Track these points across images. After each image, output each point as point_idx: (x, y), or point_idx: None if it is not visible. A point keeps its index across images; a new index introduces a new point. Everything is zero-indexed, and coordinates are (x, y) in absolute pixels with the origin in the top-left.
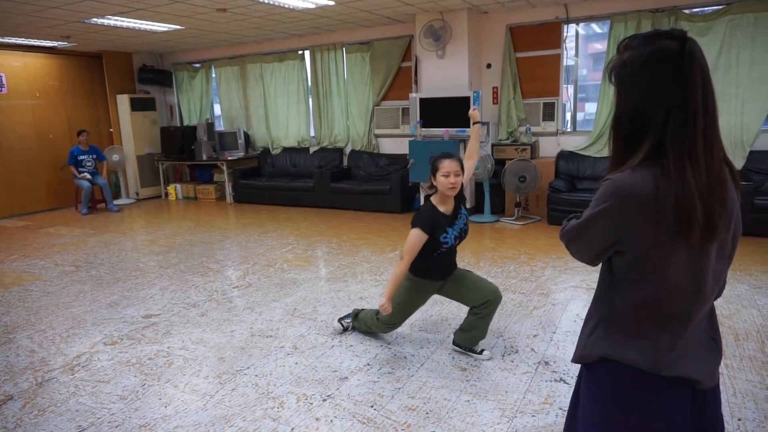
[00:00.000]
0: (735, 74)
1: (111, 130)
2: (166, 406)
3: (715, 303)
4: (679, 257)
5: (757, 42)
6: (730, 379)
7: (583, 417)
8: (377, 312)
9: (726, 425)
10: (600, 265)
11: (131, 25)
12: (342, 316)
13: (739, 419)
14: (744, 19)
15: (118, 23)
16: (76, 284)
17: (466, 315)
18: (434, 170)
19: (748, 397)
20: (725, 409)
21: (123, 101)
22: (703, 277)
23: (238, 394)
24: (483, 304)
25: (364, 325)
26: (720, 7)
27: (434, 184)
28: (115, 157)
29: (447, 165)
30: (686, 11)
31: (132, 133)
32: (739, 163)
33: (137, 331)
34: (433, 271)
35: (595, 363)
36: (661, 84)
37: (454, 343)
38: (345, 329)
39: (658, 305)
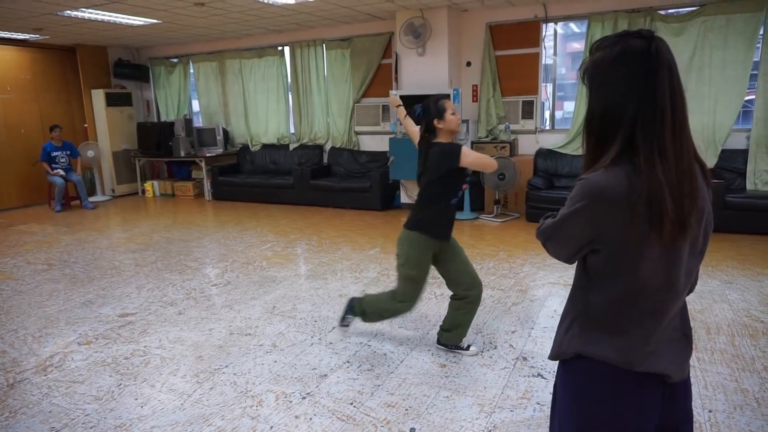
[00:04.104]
0: (708, 74)
1: (85, 125)
2: (142, 406)
3: (688, 298)
4: (652, 254)
5: (729, 43)
6: (702, 372)
7: (560, 412)
8: (393, 295)
9: (698, 417)
10: (576, 263)
11: (106, 18)
12: (341, 318)
13: (710, 411)
14: (716, 21)
15: (93, 16)
16: (49, 283)
17: (446, 314)
18: (441, 112)
19: (719, 390)
20: (697, 402)
21: (98, 96)
22: (676, 274)
23: (217, 392)
24: (467, 292)
25: (376, 315)
26: (693, 8)
27: (439, 127)
28: (90, 153)
29: (450, 104)
30: (661, 12)
31: (107, 129)
32: (711, 161)
33: (113, 331)
34: (440, 225)
35: (571, 359)
36: (629, 82)
37: (439, 342)
38: (348, 325)
39: (631, 302)
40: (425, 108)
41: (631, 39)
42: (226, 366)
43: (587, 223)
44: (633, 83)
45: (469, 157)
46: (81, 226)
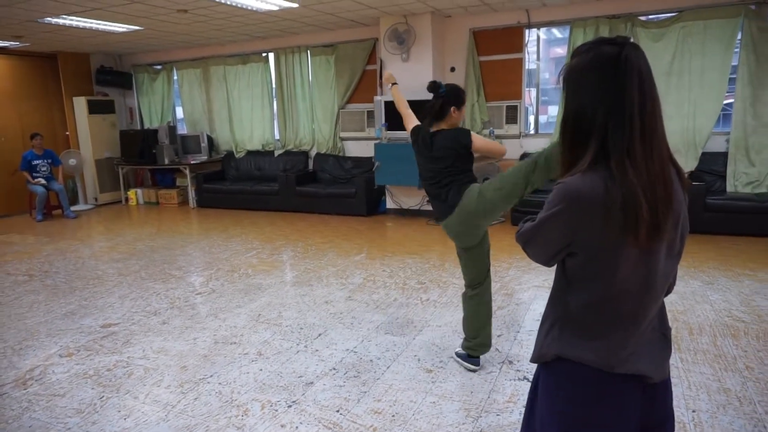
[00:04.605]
0: (687, 79)
1: (67, 133)
2: (125, 419)
3: (670, 299)
4: (629, 257)
5: (707, 48)
6: (685, 372)
7: (541, 414)
8: (465, 289)
9: (682, 417)
10: (555, 266)
11: (87, 25)
12: (457, 352)
13: (694, 411)
14: (695, 27)
15: (74, 23)
16: (30, 294)
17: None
18: (462, 103)
19: (702, 390)
20: (681, 402)
21: (80, 104)
22: (653, 276)
23: (201, 403)
24: (484, 281)
25: (474, 328)
26: (672, 14)
27: (453, 115)
28: (72, 162)
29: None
30: (642, 18)
31: (90, 137)
32: (692, 164)
33: (95, 342)
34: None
35: (552, 362)
36: (599, 87)
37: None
38: (469, 355)
39: (610, 305)
40: (449, 91)
41: (605, 46)
42: (211, 375)
43: (565, 226)
44: (603, 89)
45: (479, 141)
46: (63, 235)
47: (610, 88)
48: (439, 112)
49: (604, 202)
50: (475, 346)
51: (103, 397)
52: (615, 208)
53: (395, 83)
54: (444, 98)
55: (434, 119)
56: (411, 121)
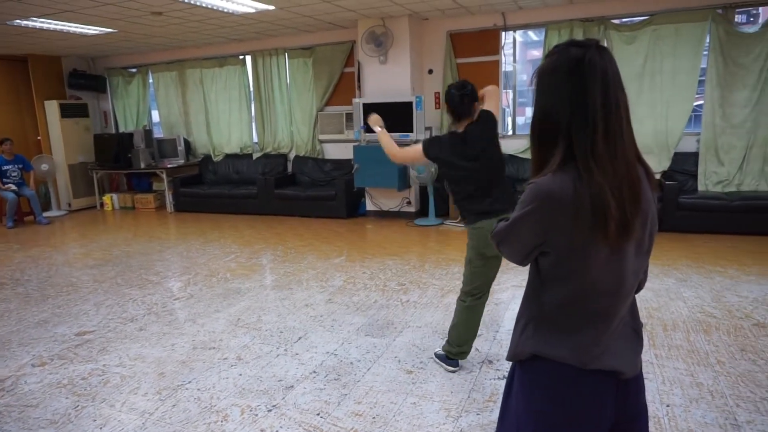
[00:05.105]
0: (660, 81)
1: (39, 137)
2: (101, 428)
3: (645, 296)
4: (599, 256)
5: (678, 51)
6: (660, 368)
7: (517, 411)
8: (461, 294)
9: (656, 412)
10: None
11: (59, 27)
12: (437, 353)
13: (668, 405)
14: (666, 30)
15: (44, 25)
16: (0, 303)
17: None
18: (476, 99)
19: (676, 384)
20: (655, 397)
21: (52, 107)
22: (623, 274)
23: (180, 409)
24: (486, 292)
25: (464, 327)
26: (644, 18)
27: (475, 109)
28: (44, 167)
29: None
30: (615, 21)
31: (62, 141)
32: (665, 164)
33: (69, 350)
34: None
35: (527, 360)
36: (563, 89)
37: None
38: (446, 356)
39: (582, 303)
40: (471, 91)
41: (572, 48)
42: (190, 381)
43: (536, 225)
44: (567, 91)
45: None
46: (35, 242)
47: (573, 89)
48: (464, 115)
49: (574, 201)
50: (457, 352)
51: (78, 406)
52: (584, 208)
53: (382, 126)
54: (468, 100)
55: (459, 119)
56: (410, 148)
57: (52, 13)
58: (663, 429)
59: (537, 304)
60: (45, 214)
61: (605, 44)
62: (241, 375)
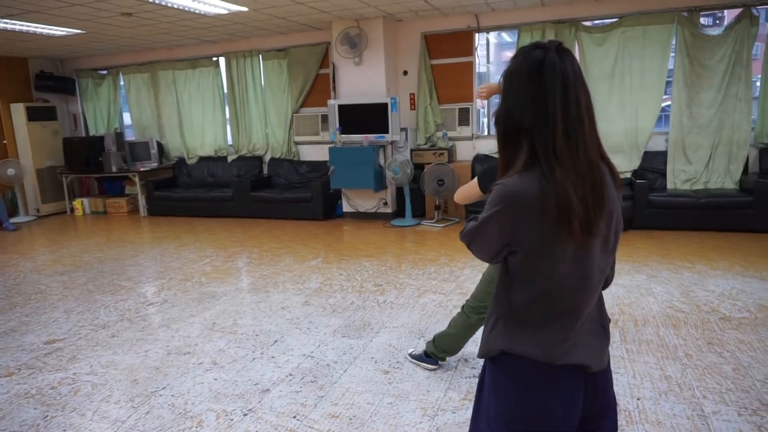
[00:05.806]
0: (629, 81)
1: (4, 141)
2: None
3: (617, 293)
4: (565, 254)
5: (647, 52)
6: (630, 362)
7: (488, 406)
8: (467, 309)
9: (627, 405)
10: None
11: (23, 28)
12: (413, 353)
13: (638, 399)
14: (635, 32)
15: (8, 26)
16: None
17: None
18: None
19: (646, 378)
20: (626, 391)
21: (18, 111)
22: (589, 272)
23: (153, 416)
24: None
25: (460, 339)
26: (614, 20)
27: None
28: (10, 172)
29: None
30: (586, 23)
31: (29, 145)
32: (635, 162)
33: (38, 359)
34: None
35: (498, 357)
36: (525, 90)
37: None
38: (427, 354)
39: (550, 300)
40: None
41: (535, 50)
42: (163, 388)
43: (504, 225)
44: (527, 91)
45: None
46: (1, 249)
47: (534, 91)
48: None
49: (539, 201)
50: (441, 356)
51: (47, 416)
52: (550, 207)
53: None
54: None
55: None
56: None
57: (16, 14)
58: (633, 422)
59: (506, 302)
60: (12, 220)
61: (576, 46)
62: (216, 379)
